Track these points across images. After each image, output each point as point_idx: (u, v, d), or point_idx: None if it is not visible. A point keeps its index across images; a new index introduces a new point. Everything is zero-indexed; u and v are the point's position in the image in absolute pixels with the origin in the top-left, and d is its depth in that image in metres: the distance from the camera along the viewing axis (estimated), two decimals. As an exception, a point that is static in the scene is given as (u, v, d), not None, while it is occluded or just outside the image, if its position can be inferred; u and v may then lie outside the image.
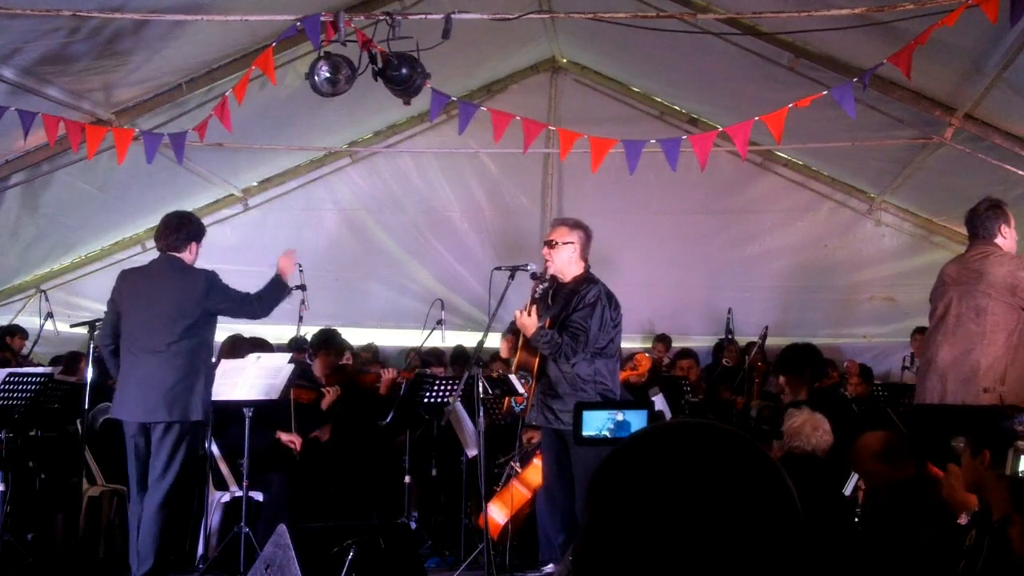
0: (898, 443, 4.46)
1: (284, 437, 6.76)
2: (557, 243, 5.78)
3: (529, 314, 5.59)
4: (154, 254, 9.87)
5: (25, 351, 8.94)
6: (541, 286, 5.79)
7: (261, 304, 5.95)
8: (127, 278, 5.93)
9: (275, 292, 6.05)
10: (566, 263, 5.80)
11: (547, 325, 5.66)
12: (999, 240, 5.36)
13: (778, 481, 1.07)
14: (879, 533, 4.13)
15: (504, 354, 6.17)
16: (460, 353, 9.07)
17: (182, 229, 5.89)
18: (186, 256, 5.86)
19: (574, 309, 5.65)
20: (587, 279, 5.79)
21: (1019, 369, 5.17)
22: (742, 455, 1.07)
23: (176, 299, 5.67)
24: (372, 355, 9.56)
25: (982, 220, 5.38)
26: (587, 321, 5.59)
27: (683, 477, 1.05)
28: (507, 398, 7.23)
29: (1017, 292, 5.19)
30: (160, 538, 5.59)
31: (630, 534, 1.04)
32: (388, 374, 7.56)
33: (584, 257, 5.87)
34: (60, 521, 6.79)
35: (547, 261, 5.81)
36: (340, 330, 8.20)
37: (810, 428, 4.85)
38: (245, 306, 5.86)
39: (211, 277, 5.80)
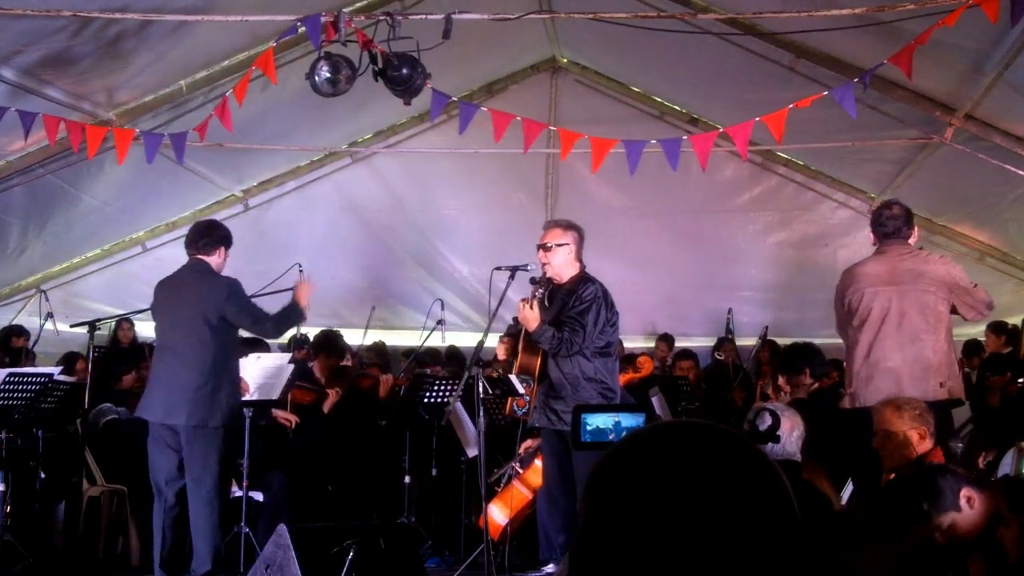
0: (924, 410, 4.28)
1: (280, 414, 6.71)
2: (552, 245, 5.76)
3: (531, 307, 5.58)
4: (154, 254, 10.05)
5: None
6: (540, 290, 5.77)
7: (274, 326, 6.00)
8: (160, 287, 6.03)
9: (289, 317, 6.10)
10: (562, 265, 5.78)
11: (547, 327, 5.66)
12: (912, 240, 5.56)
13: (773, 481, 1.07)
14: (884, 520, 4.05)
15: (501, 356, 6.16)
16: (454, 353, 9.07)
17: (210, 234, 5.96)
18: (214, 260, 5.91)
19: (571, 308, 5.65)
20: (584, 279, 5.78)
21: (954, 363, 5.45)
22: (737, 455, 1.08)
23: (198, 303, 5.72)
24: (377, 354, 9.52)
25: (898, 221, 5.52)
26: (584, 317, 5.59)
27: (679, 477, 1.05)
28: (510, 400, 7.23)
29: (954, 290, 5.38)
30: (214, 535, 5.65)
31: (625, 534, 1.04)
32: (387, 380, 7.56)
33: (579, 257, 5.85)
34: (60, 521, 6.80)
35: (544, 264, 5.79)
36: (339, 330, 8.19)
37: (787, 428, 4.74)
38: (258, 324, 5.89)
39: (233, 285, 5.83)
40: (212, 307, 5.69)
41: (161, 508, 5.72)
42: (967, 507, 3.37)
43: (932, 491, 3.41)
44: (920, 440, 4.23)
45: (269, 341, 7.84)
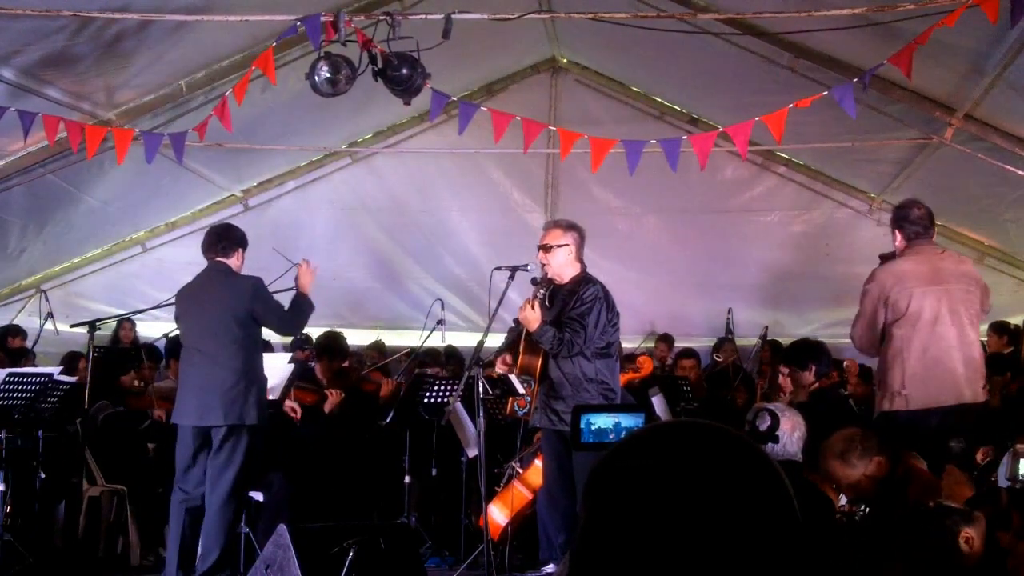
0: (861, 440, 4.22)
1: (287, 404, 6.73)
2: (552, 246, 5.76)
3: (532, 308, 5.58)
4: (154, 254, 10.05)
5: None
6: (541, 291, 5.77)
7: (290, 323, 6.04)
8: (182, 294, 6.07)
9: (299, 310, 6.08)
10: (563, 265, 5.78)
11: (547, 328, 5.65)
12: (936, 240, 5.62)
13: (774, 482, 1.07)
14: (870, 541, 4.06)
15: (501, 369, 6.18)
16: (452, 353, 9.07)
17: (228, 236, 6.02)
18: (233, 262, 5.96)
19: (572, 308, 5.65)
20: (584, 279, 5.78)
21: None
22: (738, 455, 1.07)
23: (226, 304, 5.77)
24: (379, 353, 9.53)
25: (926, 220, 5.51)
26: (585, 318, 5.59)
27: (679, 477, 1.05)
28: (510, 400, 7.23)
29: (983, 291, 5.46)
30: (224, 534, 5.70)
31: (625, 534, 1.04)
32: (388, 385, 7.56)
33: (580, 258, 5.85)
34: (60, 521, 6.80)
35: (544, 265, 5.79)
36: (339, 331, 8.18)
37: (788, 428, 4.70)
38: (281, 321, 5.92)
39: (257, 283, 5.88)
40: (240, 306, 5.75)
41: (181, 509, 5.75)
42: (967, 547, 3.40)
43: (933, 537, 3.45)
44: (879, 467, 4.14)
45: (274, 341, 7.83)
